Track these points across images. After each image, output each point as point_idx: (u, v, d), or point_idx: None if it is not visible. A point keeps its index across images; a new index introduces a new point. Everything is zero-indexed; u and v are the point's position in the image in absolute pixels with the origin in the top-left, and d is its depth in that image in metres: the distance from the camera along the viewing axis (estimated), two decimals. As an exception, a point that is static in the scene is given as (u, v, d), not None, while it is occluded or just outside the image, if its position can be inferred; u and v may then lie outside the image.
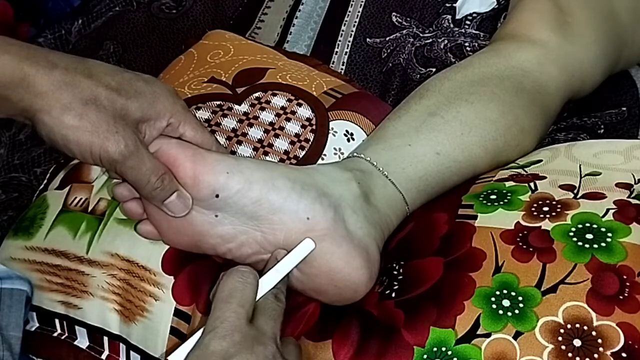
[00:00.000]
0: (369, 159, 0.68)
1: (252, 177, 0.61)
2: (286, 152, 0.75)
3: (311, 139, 0.76)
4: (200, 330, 0.56)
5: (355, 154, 0.70)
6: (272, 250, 0.62)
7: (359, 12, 0.97)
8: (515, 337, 0.56)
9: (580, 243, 0.60)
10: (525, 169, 0.70)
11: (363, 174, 0.66)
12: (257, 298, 0.58)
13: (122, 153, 0.58)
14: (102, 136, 0.58)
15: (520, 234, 0.62)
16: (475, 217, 0.64)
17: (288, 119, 0.77)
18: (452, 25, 0.94)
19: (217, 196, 0.61)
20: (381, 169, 0.67)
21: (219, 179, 0.61)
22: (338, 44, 0.95)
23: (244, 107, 0.78)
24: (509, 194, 0.66)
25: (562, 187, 0.66)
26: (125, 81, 0.60)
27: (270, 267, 0.61)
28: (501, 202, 0.65)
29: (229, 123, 0.76)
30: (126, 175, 0.61)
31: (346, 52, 0.94)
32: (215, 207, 0.62)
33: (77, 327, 0.72)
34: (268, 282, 0.60)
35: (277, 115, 0.77)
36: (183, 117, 0.63)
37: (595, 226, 0.60)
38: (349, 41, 0.95)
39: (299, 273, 0.62)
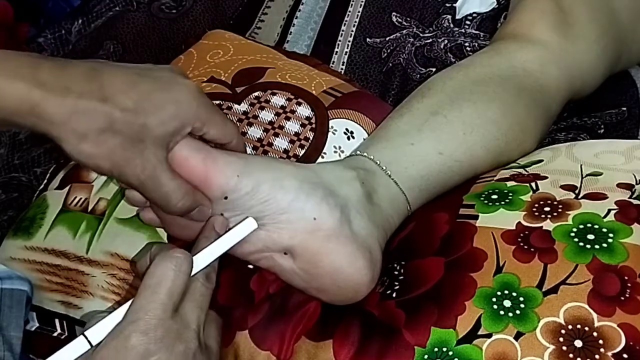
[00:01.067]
0: (372, 157, 0.68)
1: (260, 179, 0.61)
2: (286, 151, 0.75)
3: (311, 138, 0.76)
4: (122, 309, 0.55)
5: (358, 152, 0.70)
6: (275, 249, 0.62)
7: (359, 12, 0.97)
8: (516, 338, 0.56)
9: (581, 243, 0.59)
10: (527, 168, 0.70)
11: (367, 173, 0.66)
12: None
13: (138, 178, 0.58)
14: (120, 163, 0.57)
15: (522, 234, 0.61)
16: (476, 217, 0.64)
17: (287, 118, 0.77)
18: (452, 25, 0.94)
19: (225, 198, 0.61)
20: (384, 168, 0.67)
21: (229, 182, 0.61)
22: (338, 44, 0.95)
23: (243, 107, 0.78)
24: (510, 194, 0.66)
25: (563, 187, 0.66)
26: (143, 96, 0.58)
27: (207, 244, 0.59)
28: (502, 202, 0.65)
29: (229, 123, 0.76)
30: (145, 196, 0.61)
31: (346, 52, 0.94)
32: (222, 208, 0.62)
33: (77, 327, 0.71)
34: (203, 260, 0.58)
35: (277, 114, 0.77)
36: (206, 118, 0.61)
37: (596, 227, 0.60)
38: (349, 41, 0.95)
39: (303, 272, 0.62)
